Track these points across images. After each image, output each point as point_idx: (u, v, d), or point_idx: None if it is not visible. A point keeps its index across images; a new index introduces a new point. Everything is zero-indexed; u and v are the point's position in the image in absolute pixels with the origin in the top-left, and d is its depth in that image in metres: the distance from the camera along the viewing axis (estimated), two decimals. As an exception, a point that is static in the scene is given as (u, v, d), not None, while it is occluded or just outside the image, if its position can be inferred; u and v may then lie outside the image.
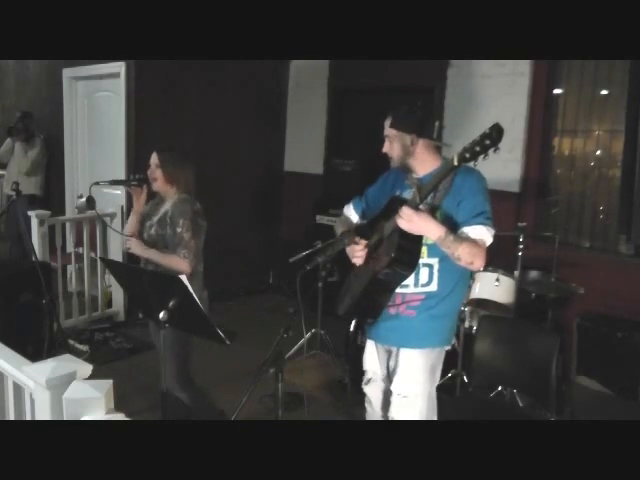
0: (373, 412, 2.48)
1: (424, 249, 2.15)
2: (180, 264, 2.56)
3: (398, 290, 2.19)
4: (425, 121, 2.19)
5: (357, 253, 2.26)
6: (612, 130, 4.04)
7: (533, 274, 3.92)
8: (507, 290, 3.55)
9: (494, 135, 1.82)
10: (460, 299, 2.33)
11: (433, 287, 2.20)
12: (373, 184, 2.50)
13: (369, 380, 2.47)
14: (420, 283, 2.20)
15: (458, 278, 2.23)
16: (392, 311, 2.24)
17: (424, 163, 2.20)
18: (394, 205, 2.10)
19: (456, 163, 1.89)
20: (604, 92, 4.08)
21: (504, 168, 4.25)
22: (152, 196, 2.84)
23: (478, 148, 1.83)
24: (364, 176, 4.96)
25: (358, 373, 2.63)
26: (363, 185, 5.25)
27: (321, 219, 5.19)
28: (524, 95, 4.22)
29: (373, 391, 2.46)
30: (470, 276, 2.35)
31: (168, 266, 2.57)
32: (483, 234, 2.05)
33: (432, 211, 2.09)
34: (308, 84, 5.69)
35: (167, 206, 2.71)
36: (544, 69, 4.17)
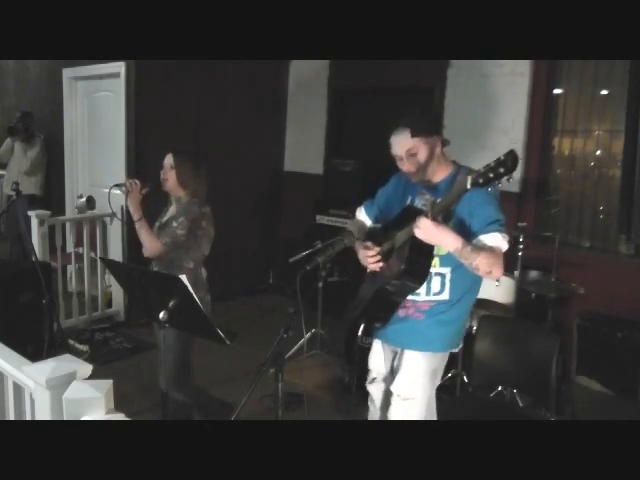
0: (375, 411, 2.48)
1: (436, 259, 2.14)
2: (154, 246, 2.61)
3: (409, 297, 2.18)
4: (434, 119, 2.17)
5: (370, 259, 2.21)
6: (612, 130, 4.04)
7: (533, 274, 3.92)
8: (507, 290, 3.56)
9: (509, 164, 1.78)
10: (469, 306, 2.30)
11: (445, 296, 2.19)
12: (384, 186, 2.45)
13: (373, 379, 2.47)
14: (432, 292, 2.18)
15: (470, 285, 2.22)
16: (401, 313, 2.23)
17: (441, 166, 2.18)
18: (408, 215, 2.06)
19: (469, 187, 1.86)
20: (604, 92, 4.08)
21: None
22: (164, 202, 2.85)
23: (492, 175, 1.80)
24: (364, 176, 4.96)
25: (359, 373, 2.64)
26: (363, 185, 5.25)
27: (321, 219, 5.18)
28: (524, 95, 4.21)
29: (377, 390, 2.46)
30: (481, 283, 2.31)
31: (145, 241, 2.64)
32: (499, 242, 2.02)
33: (445, 220, 2.05)
34: (308, 84, 5.69)
35: (175, 209, 2.73)
36: (544, 69, 4.16)
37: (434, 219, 1.95)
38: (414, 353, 2.23)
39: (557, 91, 4.26)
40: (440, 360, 2.27)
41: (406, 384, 2.23)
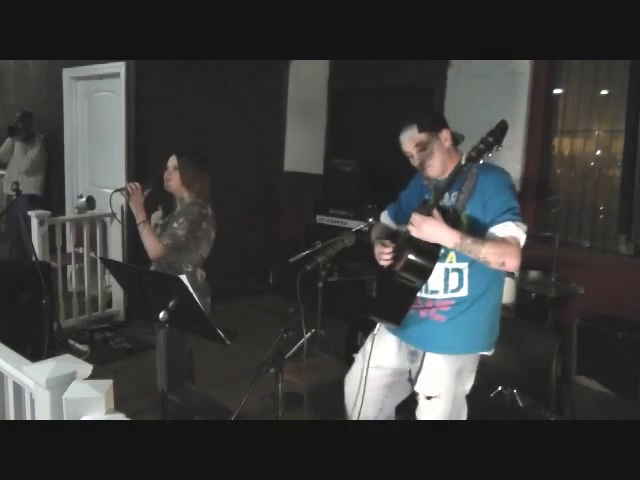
0: (352, 383, 2.36)
1: (452, 254, 2.09)
2: (155, 246, 2.60)
3: (428, 296, 2.15)
4: (438, 114, 2.16)
5: (384, 256, 2.19)
6: (612, 130, 4.03)
7: (533, 274, 3.92)
8: (507, 290, 3.55)
9: (497, 132, 1.83)
10: (495, 301, 2.21)
11: (464, 292, 2.12)
12: (405, 188, 2.43)
13: (369, 365, 2.32)
14: (450, 289, 2.13)
15: (491, 280, 2.14)
16: (422, 314, 2.18)
17: (453, 160, 2.13)
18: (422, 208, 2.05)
19: (463, 162, 1.90)
20: (604, 92, 4.07)
21: (504, 168, 4.26)
22: (170, 206, 2.85)
23: (482, 145, 1.84)
24: (364, 176, 4.96)
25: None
26: (363, 185, 5.23)
27: (321, 219, 5.18)
28: (524, 95, 4.21)
29: (376, 379, 2.33)
30: (505, 276, 2.25)
31: (145, 240, 2.62)
32: (513, 231, 1.96)
33: (457, 215, 2.02)
34: (308, 84, 5.70)
35: (178, 210, 2.74)
36: (544, 69, 4.16)
37: (435, 205, 1.95)
38: (436, 355, 2.17)
39: (557, 91, 4.26)
40: (465, 361, 2.19)
41: (429, 383, 2.18)
